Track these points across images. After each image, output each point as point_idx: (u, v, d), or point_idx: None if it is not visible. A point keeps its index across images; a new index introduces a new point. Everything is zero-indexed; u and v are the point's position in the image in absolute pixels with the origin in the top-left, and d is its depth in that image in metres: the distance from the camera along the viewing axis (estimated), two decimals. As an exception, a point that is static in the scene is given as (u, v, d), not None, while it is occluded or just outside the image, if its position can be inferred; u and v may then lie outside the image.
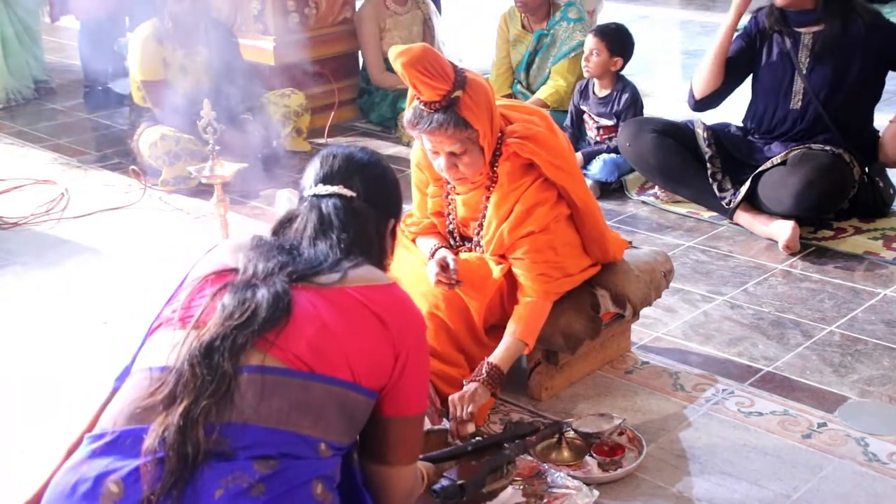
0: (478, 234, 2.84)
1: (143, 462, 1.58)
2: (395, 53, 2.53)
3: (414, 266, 2.84)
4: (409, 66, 2.51)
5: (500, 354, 2.66)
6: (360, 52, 5.71)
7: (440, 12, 5.83)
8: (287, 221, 1.92)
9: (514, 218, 2.72)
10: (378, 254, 1.95)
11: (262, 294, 1.73)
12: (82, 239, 4.13)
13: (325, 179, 1.94)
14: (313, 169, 1.98)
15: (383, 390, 1.80)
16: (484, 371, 2.63)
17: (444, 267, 2.74)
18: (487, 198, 2.78)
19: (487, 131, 2.63)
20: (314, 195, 1.93)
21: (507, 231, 2.72)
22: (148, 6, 4.95)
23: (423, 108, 2.60)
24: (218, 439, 1.60)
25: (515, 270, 2.75)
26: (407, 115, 2.67)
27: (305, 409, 1.67)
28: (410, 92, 2.64)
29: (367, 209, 1.93)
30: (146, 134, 4.76)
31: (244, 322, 1.69)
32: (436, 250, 2.82)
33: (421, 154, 2.85)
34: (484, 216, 2.79)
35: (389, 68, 5.49)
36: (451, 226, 2.90)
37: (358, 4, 5.80)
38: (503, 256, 2.78)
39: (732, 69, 4.08)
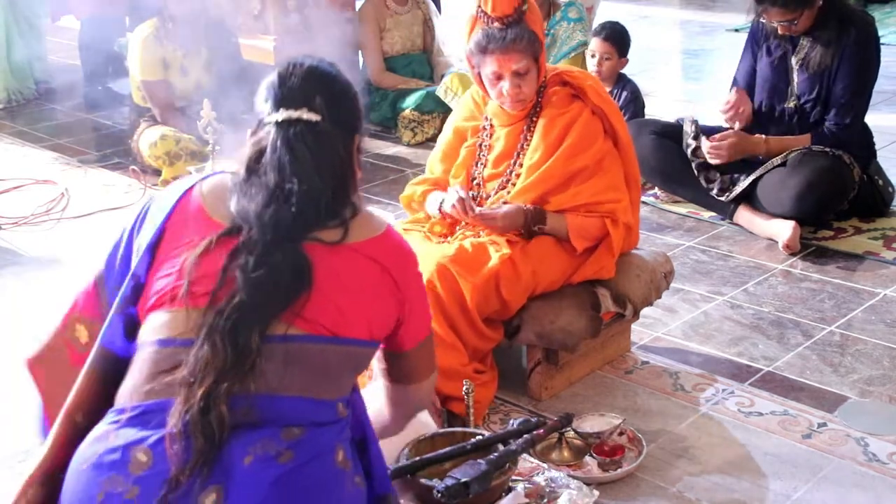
0: (512, 168, 2.87)
1: (168, 440, 1.57)
2: None
3: (416, 245, 2.83)
4: None
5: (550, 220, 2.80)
6: (360, 52, 5.71)
7: (440, 12, 5.83)
8: (257, 156, 1.78)
9: (570, 146, 2.80)
10: (351, 176, 1.85)
11: (279, 262, 1.67)
12: (82, 239, 4.13)
13: (287, 102, 1.79)
14: (271, 88, 1.82)
15: (392, 334, 1.84)
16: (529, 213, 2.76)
17: (460, 200, 2.81)
18: (530, 127, 2.85)
19: (543, 43, 2.79)
20: (277, 123, 1.78)
21: (563, 161, 2.79)
22: (148, 6, 4.95)
23: (495, 25, 2.70)
24: (245, 411, 1.60)
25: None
26: (475, 38, 2.76)
27: (326, 373, 1.68)
28: (470, 21, 2.76)
29: (333, 131, 1.80)
30: (146, 134, 4.76)
31: (268, 296, 1.64)
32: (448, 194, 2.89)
33: (472, 105, 2.98)
34: (524, 146, 2.86)
35: (390, 68, 5.56)
36: (477, 175, 2.93)
37: (358, 4, 5.80)
38: (543, 200, 2.82)
39: (753, 86, 4.09)
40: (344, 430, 1.70)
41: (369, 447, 1.82)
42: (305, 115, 1.78)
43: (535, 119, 2.85)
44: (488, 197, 2.89)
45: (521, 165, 2.86)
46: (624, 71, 4.52)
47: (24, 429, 2.79)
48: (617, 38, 4.41)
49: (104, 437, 1.62)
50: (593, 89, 2.85)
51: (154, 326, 1.69)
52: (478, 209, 2.79)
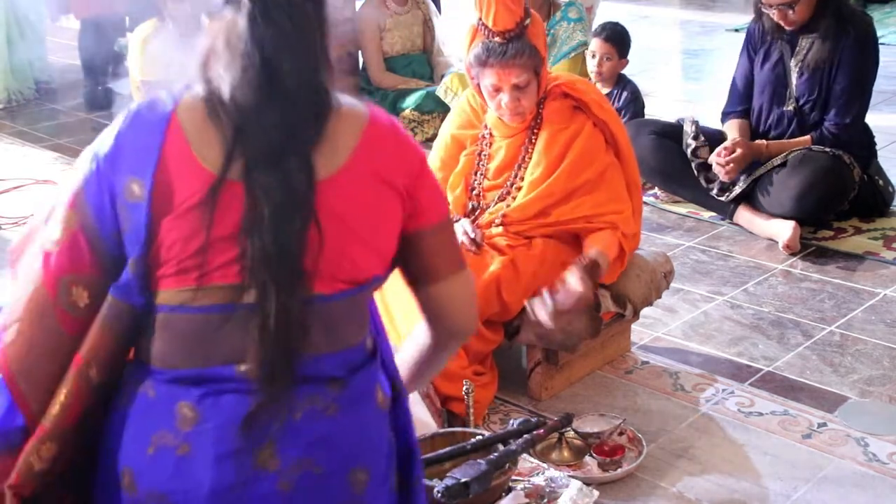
0: (513, 182, 2.85)
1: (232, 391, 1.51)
2: None
3: None
4: None
5: (589, 253, 2.72)
6: (360, 52, 5.71)
7: (440, 12, 5.83)
8: (227, 44, 1.54)
9: (572, 162, 2.78)
10: (328, 61, 1.58)
11: (287, 223, 1.50)
12: (82, 239, 4.13)
13: None
14: None
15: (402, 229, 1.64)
16: (579, 263, 2.67)
17: (466, 233, 2.78)
18: (531, 140, 2.83)
19: (545, 60, 2.76)
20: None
21: (565, 177, 2.77)
22: (148, 6, 4.95)
23: (496, 39, 2.67)
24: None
25: (588, 230, 2.79)
26: (475, 52, 2.73)
27: (355, 319, 1.61)
28: (470, 32, 2.73)
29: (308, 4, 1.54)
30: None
31: (285, 264, 1.50)
32: (454, 221, 2.84)
33: (469, 110, 2.93)
34: (525, 160, 2.83)
35: (390, 68, 5.56)
36: (476, 185, 2.91)
37: (358, 4, 5.80)
38: (541, 213, 2.79)
39: (752, 89, 4.08)
40: (377, 367, 1.65)
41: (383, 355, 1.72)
42: None
43: (536, 131, 2.83)
44: (487, 207, 2.88)
45: (521, 179, 2.83)
46: (624, 71, 4.52)
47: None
48: (617, 38, 4.41)
49: (144, 394, 1.54)
50: (595, 102, 2.83)
51: (183, 294, 1.54)
52: (548, 301, 2.60)
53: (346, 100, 1.59)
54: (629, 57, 4.48)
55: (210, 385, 1.52)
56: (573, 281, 2.61)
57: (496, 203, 2.86)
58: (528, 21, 2.69)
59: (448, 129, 2.99)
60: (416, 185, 1.61)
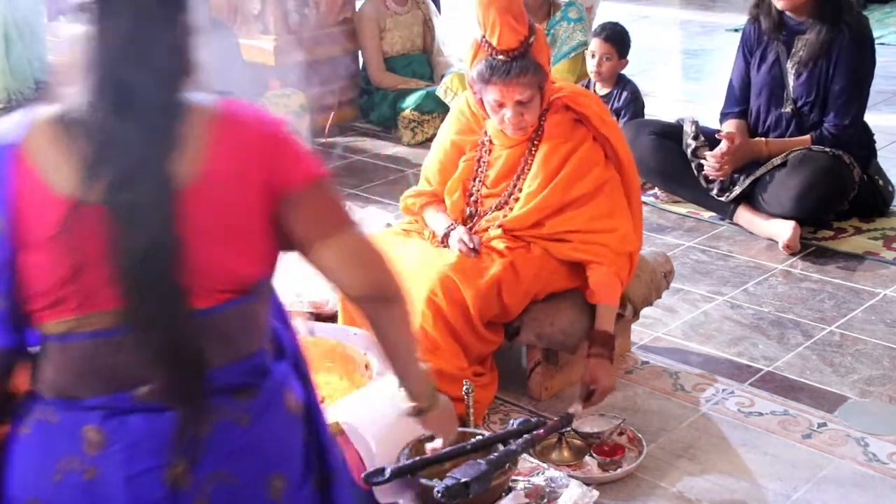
0: (511, 192, 2.84)
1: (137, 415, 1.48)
2: (486, 0, 2.63)
3: (417, 251, 2.83)
4: (504, 13, 2.61)
5: (599, 321, 2.72)
6: (360, 52, 5.71)
7: (440, 12, 5.84)
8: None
9: (567, 175, 2.76)
10: (181, 60, 1.53)
11: (152, 242, 1.43)
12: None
13: None
14: None
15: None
16: (597, 342, 2.68)
17: (462, 241, 2.77)
18: (531, 151, 2.81)
19: (548, 74, 2.75)
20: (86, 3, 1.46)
21: (560, 189, 2.75)
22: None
23: (499, 57, 2.65)
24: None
25: (573, 253, 2.77)
26: (478, 69, 2.71)
27: (249, 327, 1.55)
28: (474, 47, 2.71)
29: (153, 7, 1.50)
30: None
31: (158, 283, 1.45)
32: (451, 229, 2.83)
33: (468, 113, 2.90)
34: (524, 171, 2.82)
35: (389, 68, 5.56)
36: (474, 192, 2.89)
37: (358, 4, 5.81)
38: (537, 224, 2.78)
39: (749, 91, 4.08)
40: (285, 367, 1.60)
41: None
42: None
43: (536, 143, 2.80)
44: (485, 213, 2.87)
45: (519, 190, 2.82)
46: (624, 71, 4.51)
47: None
48: (617, 38, 4.41)
49: (44, 421, 1.50)
50: (597, 116, 2.80)
51: (67, 324, 1.50)
52: (578, 409, 2.64)
53: (195, 97, 1.51)
54: (629, 57, 4.47)
55: (114, 408, 1.49)
56: (604, 378, 2.65)
57: (494, 211, 2.85)
58: (532, 39, 2.67)
59: (447, 134, 2.96)
60: (276, 156, 1.53)
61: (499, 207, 2.84)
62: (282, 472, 1.55)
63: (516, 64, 2.65)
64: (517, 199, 2.81)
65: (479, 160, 2.89)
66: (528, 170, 2.80)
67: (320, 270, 1.61)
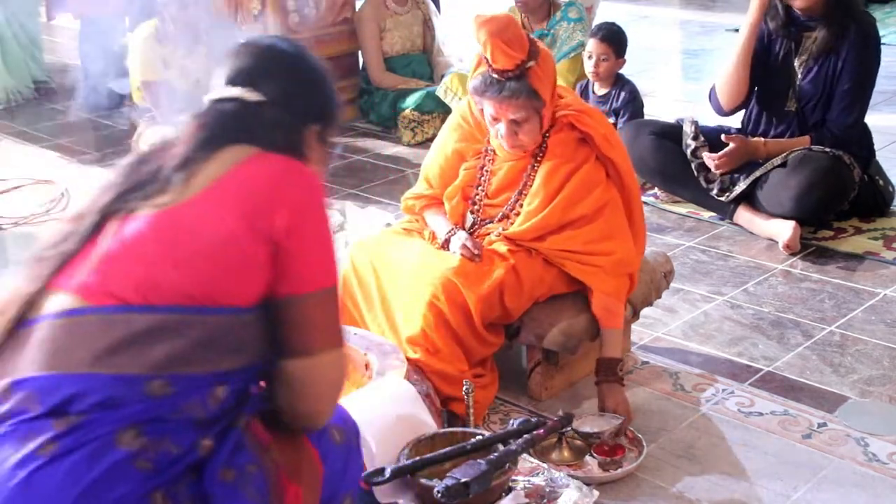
0: (512, 206, 2.83)
1: None
2: (479, 21, 2.60)
3: (418, 251, 2.83)
4: (494, 36, 2.57)
5: (605, 347, 2.74)
6: (360, 52, 5.72)
7: (440, 12, 5.84)
8: (169, 144, 1.60)
9: (568, 195, 2.74)
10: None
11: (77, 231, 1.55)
12: (82, 239, 4.13)
13: (230, 80, 1.62)
14: (221, 68, 1.65)
15: (268, 284, 1.54)
16: (602, 370, 2.71)
17: (465, 247, 2.76)
18: (534, 167, 2.79)
19: (549, 102, 2.71)
20: (211, 101, 1.61)
21: (560, 209, 2.73)
22: (147, 6, 4.96)
23: (494, 75, 2.64)
24: (23, 397, 1.44)
25: (573, 269, 2.77)
26: (474, 81, 2.71)
27: (127, 344, 1.46)
28: (476, 59, 2.70)
29: (276, 114, 1.60)
30: (146, 134, 4.76)
31: (49, 266, 1.53)
32: (452, 234, 2.83)
33: (471, 120, 2.87)
34: (527, 185, 2.80)
35: (389, 68, 5.56)
36: (477, 201, 2.88)
37: (358, 4, 5.81)
38: (537, 239, 2.77)
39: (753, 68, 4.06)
40: (150, 410, 1.45)
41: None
42: (243, 93, 1.61)
43: (539, 159, 2.79)
44: (487, 221, 2.87)
45: (521, 205, 2.81)
46: (623, 71, 4.51)
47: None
48: (613, 38, 4.40)
49: None
50: (603, 137, 2.76)
51: None
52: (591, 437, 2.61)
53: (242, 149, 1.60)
54: (626, 56, 4.47)
55: None
56: (620, 405, 2.67)
57: (496, 222, 2.85)
58: (531, 63, 2.63)
59: (449, 141, 2.94)
60: (292, 243, 1.53)
61: (500, 220, 2.84)
62: None
63: (510, 85, 2.63)
64: (518, 214, 2.81)
65: (482, 168, 2.88)
66: (531, 185, 2.79)
67: (288, 380, 1.57)
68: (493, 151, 2.87)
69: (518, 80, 2.63)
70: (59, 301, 1.51)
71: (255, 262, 1.52)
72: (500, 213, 2.84)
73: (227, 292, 1.51)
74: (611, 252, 2.74)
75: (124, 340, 1.46)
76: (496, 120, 2.72)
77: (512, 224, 2.81)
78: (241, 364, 1.54)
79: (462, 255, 2.74)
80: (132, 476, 1.42)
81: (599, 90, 4.50)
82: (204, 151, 1.57)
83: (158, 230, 1.52)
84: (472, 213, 2.89)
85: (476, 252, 2.74)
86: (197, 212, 1.52)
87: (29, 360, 1.46)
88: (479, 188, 2.88)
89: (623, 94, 4.43)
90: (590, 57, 4.41)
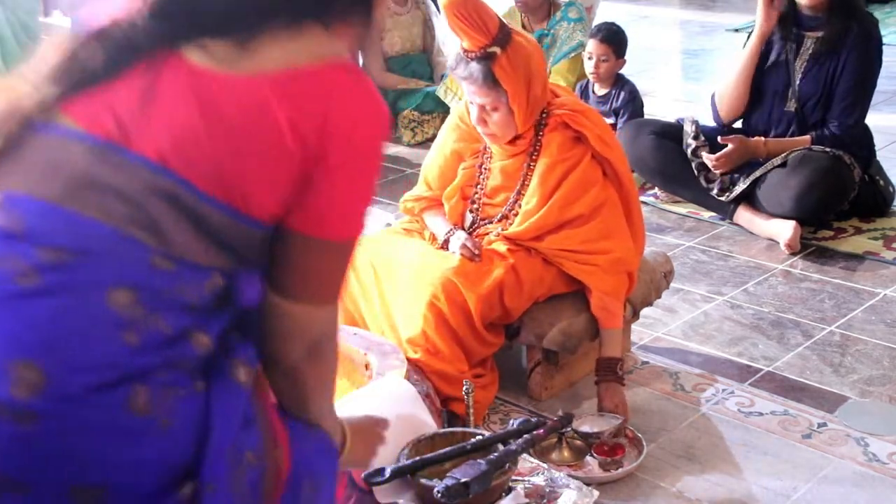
0: (511, 207, 2.83)
1: None
2: None
3: (418, 251, 2.83)
4: (448, 8, 2.58)
5: (604, 347, 2.75)
6: (359, 53, 5.71)
7: (440, 12, 5.83)
8: None
9: (565, 194, 2.73)
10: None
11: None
12: (82, 239, 4.13)
13: None
14: None
15: (285, 204, 1.33)
16: (601, 369, 2.71)
17: (465, 246, 2.76)
18: (530, 166, 2.79)
19: (520, 96, 2.67)
20: None
21: (557, 208, 2.73)
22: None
23: (462, 53, 2.66)
24: (14, 216, 1.26)
25: (571, 268, 2.77)
26: (451, 58, 2.74)
27: (148, 210, 1.27)
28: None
29: None
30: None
31: (68, 79, 1.31)
32: (451, 234, 2.83)
33: (468, 119, 2.85)
34: (524, 185, 2.80)
35: (389, 68, 5.56)
36: (476, 200, 2.89)
37: (358, 4, 5.80)
38: (536, 238, 2.76)
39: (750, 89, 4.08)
40: (155, 281, 1.27)
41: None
42: None
43: (535, 157, 2.79)
44: (486, 220, 2.87)
45: (519, 206, 2.81)
46: (623, 71, 4.52)
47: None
48: (613, 39, 4.40)
49: None
50: (597, 136, 2.75)
51: None
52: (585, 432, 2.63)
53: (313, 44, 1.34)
54: (626, 56, 4.47)
55: None
56: (620, 406, 2.68)
57: (496, 222, 2.85)
58: (494, 49, 2.60)
59: (448, 141, 2.94)
60: (330, 174, 1.33)
61: (500, 220, 2.84)
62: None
63: (472, 66, 2.65)
64: (517, 214, 2.81)
65: (480, 167, 2.89)
66: (528, 184, 2.79)
67: (274, 320, 1.39)
68: (490, 150, 2.87)
69: (480, 62, 2.63)
70: (84, 124, 1.30)
71: (290, 164, 1.31)
72: (500, 214, 2.85)
73: (258, 190, 1.31)
74: (608, 251, 2.74)
75: (146, 204, 1.28)
76: (471, 103, 2.74)
77: (511, 224, 2.81)
78: (249, 268, 1.36)
79: (462, 255, 2.74)
80: (115, 342, 1.24)
81: (599, 90, 4.50)
82: (272, 21, 1.32)
83: (200, 90, 1.30)
84: (471, 212, 2.89)
85: (476, 252, 2.74)
86: (242, 87, 1.30)
87: (33, 178, 1.28)
88: (478, 187, 2.88)
89: (623, 94, 4.43)
90: (590, 57, 4.41)
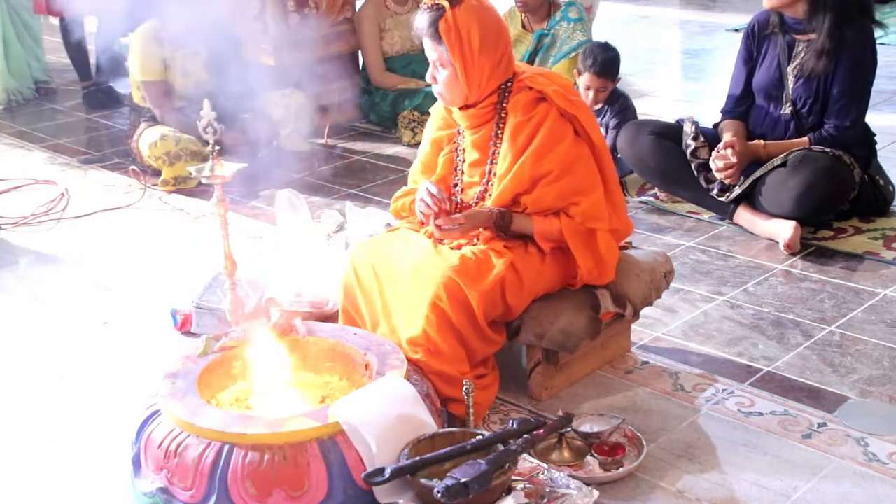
0: (488, 178, 2.85)
1: None
2: None
3: (418, 252, 2.83)
4: None
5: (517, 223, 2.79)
6: (360, 52, 5.72)
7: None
8: None
9: (536, 149, 2.76)
10: None
11: None
12: (82, 239, 4.13)
13: None
14: None
15: None
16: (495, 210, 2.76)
17: (429, 192, 2.80)
18: (498, 134, 2.82)
19: (466, 58, 2.74)
20: None
21: (530, 164, 2.76)
22: (147, 6, 4.96)
23: (423, 5, 2.76)
24: None
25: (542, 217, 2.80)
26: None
27: None
28: None
29: None
30: (146, 134, 4.77)
31: None
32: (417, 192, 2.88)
33: (443, 111, 2.92)
34: (495, 153, 2.83)
35: (390, 68, 5.57)
36: (458, 182, 2.91)
37: (358, 4, 5.81)
38: (515, 202, 2.78)
39: (749, 90, 4.08)
40: None
41: None
42: None
43: (501, 125, 2.82)
44: (470, 203, 2.88)
45: (495, 175, 2.83)
46: (623, 71, 4.52)
47: (20, 431, 2.80)
48: (609, 69, 4.40)
49: None
50: (559, 94, 2.79)
51: None
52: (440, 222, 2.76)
53: None
54: (626, 58, 4.46)
55: None
56: (474, 223, 2.77)
57: (477, 203, 2.86)
58: (443, 4, 2.71)
59: (428, 133, 3.02)
60: None
61: (480, 198, 2.86)
62: None
63: (421, 15, 2.76)
64: (493, 185, 2.84)
65: (455, 149, 2.93)
66: (499, 152, 2.83)
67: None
68: (463, 130, 2.91)
69: (429, 14, 2.73)
70: None
71: None
72: (479, 192, 2.86)
73: None
74: (579, 203, 2.78)
75: None
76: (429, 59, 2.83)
77: (490, 197, 2.83)
78: None
79: (422, 199, 2.79)
80: None
81: (593, 105, 4.50)
82: None
83: None
84: (453, 195, 2.91)
85: (442, 197, 2.79)
86: None
87: None
88: (458, 170, 2.92)
89: (615, 107, 4.46)
90: (587, 89, 4.41)
